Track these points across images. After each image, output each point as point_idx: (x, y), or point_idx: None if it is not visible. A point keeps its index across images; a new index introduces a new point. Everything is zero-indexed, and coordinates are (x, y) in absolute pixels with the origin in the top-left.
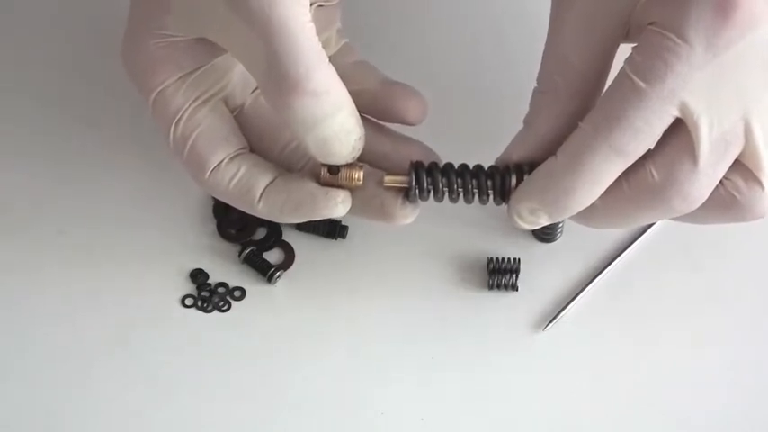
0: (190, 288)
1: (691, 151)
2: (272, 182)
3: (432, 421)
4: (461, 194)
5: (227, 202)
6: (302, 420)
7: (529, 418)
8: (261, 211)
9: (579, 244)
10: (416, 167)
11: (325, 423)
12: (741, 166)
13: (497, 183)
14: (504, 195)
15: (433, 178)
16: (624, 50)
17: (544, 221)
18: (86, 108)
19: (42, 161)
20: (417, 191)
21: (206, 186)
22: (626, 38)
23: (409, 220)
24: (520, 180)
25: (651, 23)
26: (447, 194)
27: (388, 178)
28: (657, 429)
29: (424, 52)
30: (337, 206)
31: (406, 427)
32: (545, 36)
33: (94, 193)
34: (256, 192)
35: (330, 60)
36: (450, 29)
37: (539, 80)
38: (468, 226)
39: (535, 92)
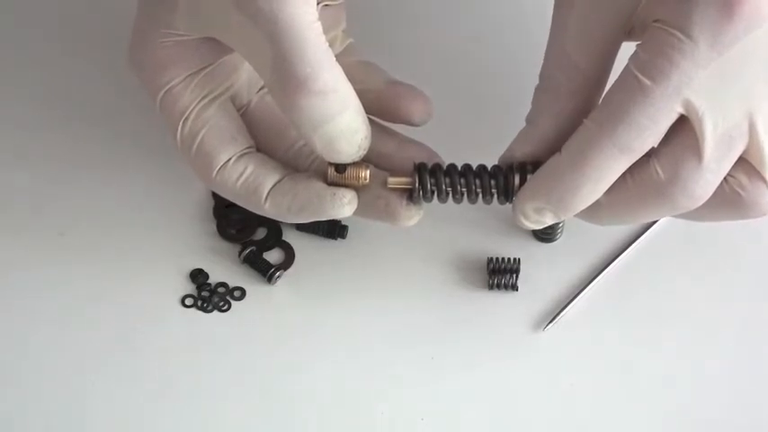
0: (190, 288)
1: (695, 148)
2: (278, 181)
3: (432, 421)
4: (465, 195)
5: (233, 201)
6: (302, 420)
7: (529, 417)
8: (268, 210)
9: (579, 244)
10: (419, 169)
11: (325, 423)
12: (745, 164)
13: (501, 182)
14: (507, 195)
15: (436, 179)
16: (627, 50)
17: (549, 220)
18: (86, 109)
19: (42, 161)
20: (421, 192)
21: (213, 185)
22: (629, 36)
23: (413, 222)
24: (523, 179)
25: (656, 21)
26: (450, 195)
27: (391, 180)
28: (658, 429)
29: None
30: (344, 207)
31: (406, 427)
32: (547, 34)
33: (95, 194)
34: (263, 191)
35: (336, 60)
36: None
37: (541, 77)
38: (469, 226)
39: (537, 89)
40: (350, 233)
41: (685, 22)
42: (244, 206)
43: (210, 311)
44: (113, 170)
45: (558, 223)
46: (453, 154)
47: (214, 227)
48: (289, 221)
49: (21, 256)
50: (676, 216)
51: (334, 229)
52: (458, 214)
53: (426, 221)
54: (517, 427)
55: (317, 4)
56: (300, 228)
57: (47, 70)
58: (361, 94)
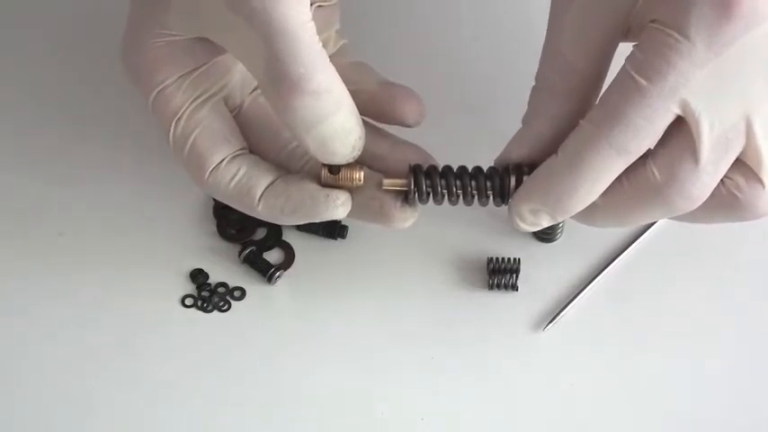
0: (190, 288)
1: (692, 149)
2: (272, 183)
3: (432, 421)
4: (461, 197)
5: (226, 202)
6: (302, 420)
7: (529, 417)
8: (261, 212)
9: (579, 244)
10: (415, 170)
11: (325, 423)
12: (742, 165)
13: (496, 184)
14: (503, 196)
15: (431, 181)
16: (624, 51)
17: (546, 222)
18: (86, 109)
19: (42, 162)
20: (416, 194)
21: (206, 187)
22: (626, 36)
23: (408, 224)
24: (519, 180)
25: (653, 21)
26: (446, 197)
27: (386, 181)
28: (658, 429)
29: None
30: (337, 208)
31: (406, 427)
32: (543, 35)
33: (94, 194)
34: (256, 193)
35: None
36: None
37: (537, 78)
38: (468, 226)
39: (533, 90)
40: (350, 233)
41: (682, 23)
42: (237, 208)
43: (210, 311)
44: (113, 170)
45: (558, 223)
46: (448, 156)
47: (214, 227)
48: (282, 223)
49: (20, 257)
50: (673, 218)
51: (333, 230)
52: (457, 214)
53: (426, 222)
54: (517, 427)
55: (311, 4)
56: (300, 228)
57: (47, 70)
58: (355, 95)
